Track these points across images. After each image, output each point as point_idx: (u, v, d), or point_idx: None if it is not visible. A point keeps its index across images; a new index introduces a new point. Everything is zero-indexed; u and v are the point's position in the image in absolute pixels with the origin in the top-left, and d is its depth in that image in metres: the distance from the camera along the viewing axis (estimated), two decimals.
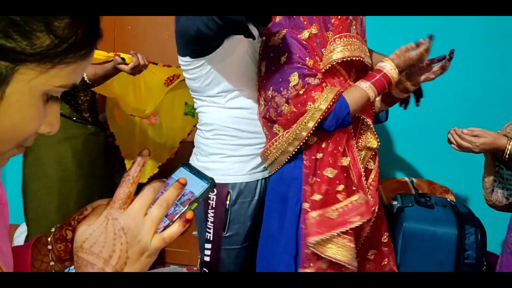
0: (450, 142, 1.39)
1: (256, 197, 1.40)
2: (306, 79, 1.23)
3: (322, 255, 1.24)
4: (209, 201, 1.36)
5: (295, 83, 1.23)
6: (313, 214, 1.25)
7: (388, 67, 1.27)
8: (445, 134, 2.08)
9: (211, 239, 1.38)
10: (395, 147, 2.16)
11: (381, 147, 2.16)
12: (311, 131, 1.24)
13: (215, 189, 1.36)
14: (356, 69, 1.34)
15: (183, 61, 1.34)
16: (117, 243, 0.51)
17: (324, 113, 1.22)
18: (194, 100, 1.45)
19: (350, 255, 1.24)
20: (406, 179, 2.02)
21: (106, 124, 1.99)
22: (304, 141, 1.26)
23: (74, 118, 1.76)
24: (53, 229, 0.64)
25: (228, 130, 1.36)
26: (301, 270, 1.29)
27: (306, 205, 1.28)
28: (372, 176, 1.36)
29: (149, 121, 2.02)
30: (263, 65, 1.31)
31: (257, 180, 1.40)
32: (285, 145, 1.28)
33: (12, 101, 0.45)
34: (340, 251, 1.24)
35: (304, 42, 1.25)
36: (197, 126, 1.46)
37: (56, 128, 0.52)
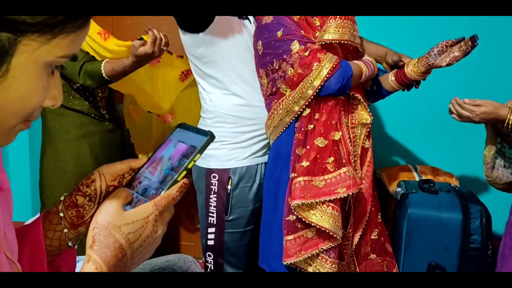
0: (451, 112, 1.38)
1: (257, 182, 1.43)
2: (307, 44, 1.26)
3: (306, 221, 1.26)
4: (211, 186, 1.41)
5: (297, 49, 1.26)
6: (299, 179, 1.26)
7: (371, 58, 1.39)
8: (447, 122, 2.07)
9: (214, 223, 1.42)
10: (398, 135, 2.15)
11: (384, 135, 2.16)
12: (317, 91, 1.26)
13: (216, 175, 1.40)
14: (348, 51, 1.39)
15: (184, 40, 1.39)
16: (146, 241, 0.57)
17: (330, 71, 1.24)
18: (199, 88, 1.47)
19: (334, 223, 1.25)
20: (410, 166, 2.02)
21: (123, 120, 2.00)
22: (305, 105, 1.28)
23: (93, 115, 1.77)
24: (62, 197, 0.65)
25: (229, 117, 1.39)
26: (284, 238, 1.30)
27: (292, 175, 1.29)
28: (369, 153, 1.38)
29: (165, 119, 2.02)
30: (259, 45, 1.34)
31: (257, 164, 1.43)
32: (291, 103, 1.30)
33: (17, 73, 0.46)
34: (324, 218, 1.25)
35: (296, 20, 1.30)
36: (200, 114, 1.48)
37: (59, 101, 0.54)
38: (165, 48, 1.53)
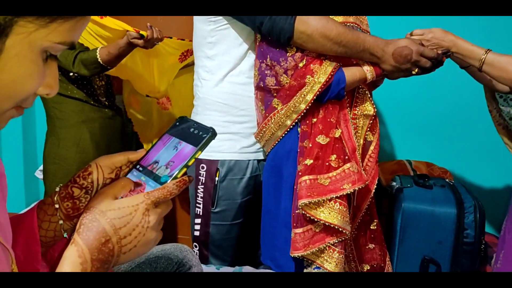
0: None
1: (248, 175, 1.40)
2: (304, 51, 1.23)
3: (315, 219, 1.25)
4: (199, 177, 1.39)
5: (292, 53, 1.24)
6: (304, 178, 1.25)
7: None
8: (442, 117, 2.08)
9: (200, 214, 1.41)
10: (393, 130, 2.16)
11: (380, 130, 2.16)
12: (310, 104, 1.25)
13: (205, 165, 1.38)
14: None
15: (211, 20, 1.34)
16: (136, 230, 0.56)
17: (323, 86, 1.23)
18: (194, 76, 1.45)
19: (342, 219, 1.25)
20: (405, 161, 2.02)
21: (123, 108, 2.00)
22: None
23: (92, 102, 1.78)
24: (57, 189, 0.64)
25: (219, 105, 1.37)
26: (292, 230, 1.29)
27: (299, 168, 1.28)
28: (371, 147, 1.36)
29: (164, 106, 2.03)
30: (258, 36, 1.31)
31: (249, 160, 1.40)
32: (284, 118, 1.29)
33: (11, 55, 0.45)
34: (332, 215, 1.24)
35: None
36: (193, 102, 1.47)
37: (55, 90, 0.53)
38: (156, 43, 1.61)
